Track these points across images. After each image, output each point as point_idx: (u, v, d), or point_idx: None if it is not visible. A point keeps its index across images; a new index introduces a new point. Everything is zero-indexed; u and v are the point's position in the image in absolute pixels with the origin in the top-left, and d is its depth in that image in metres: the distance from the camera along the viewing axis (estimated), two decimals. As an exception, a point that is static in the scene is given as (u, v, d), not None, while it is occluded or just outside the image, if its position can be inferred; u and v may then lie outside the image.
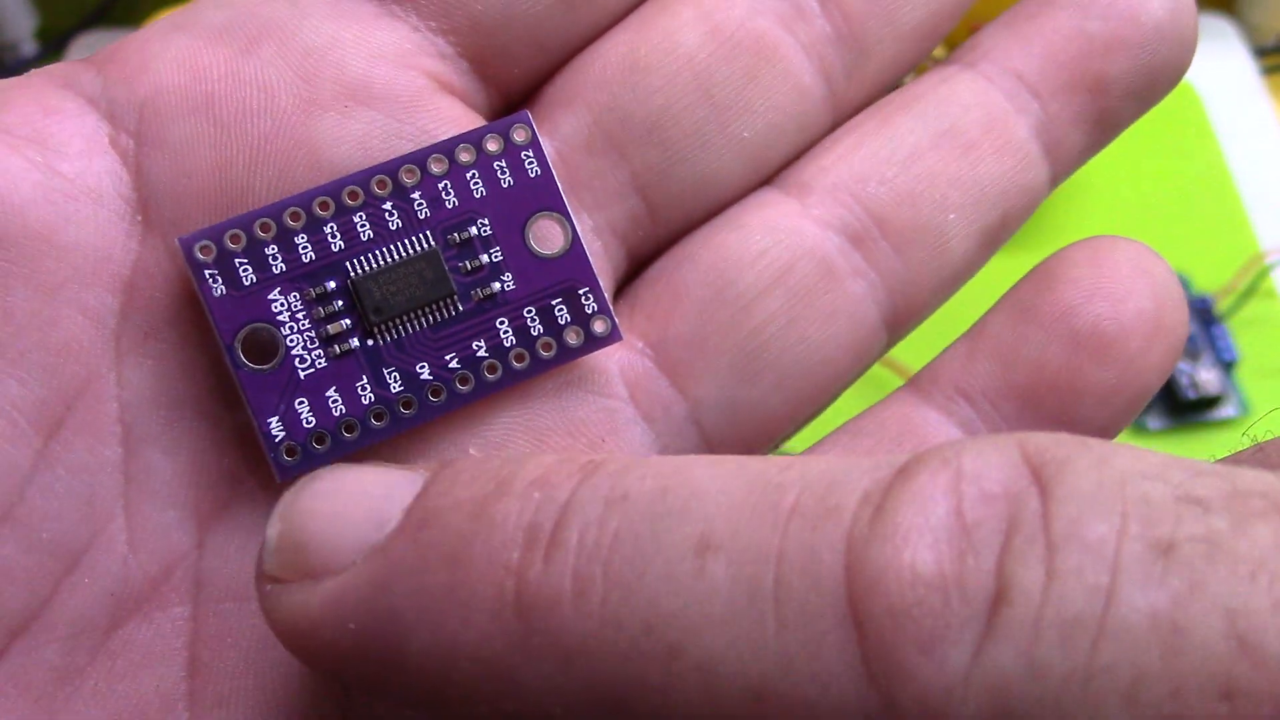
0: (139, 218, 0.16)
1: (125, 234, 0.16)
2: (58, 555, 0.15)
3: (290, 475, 0.16)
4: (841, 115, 0.18)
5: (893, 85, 0.19)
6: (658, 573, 0.11)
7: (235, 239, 0.16)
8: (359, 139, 0.16)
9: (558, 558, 0.11)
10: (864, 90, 0.18)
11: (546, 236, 0.17)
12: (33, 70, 0.16)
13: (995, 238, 0.18)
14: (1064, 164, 0.18)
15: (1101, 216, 0.42)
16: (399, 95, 0.16)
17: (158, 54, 0.16)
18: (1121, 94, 0.18)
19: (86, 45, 0.50)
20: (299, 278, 0.16)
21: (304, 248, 0.16)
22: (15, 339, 0.15)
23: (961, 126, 0.18)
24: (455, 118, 0.17)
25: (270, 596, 0.13)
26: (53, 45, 0.51)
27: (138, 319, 0.16)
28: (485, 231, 0.16)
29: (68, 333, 0.15)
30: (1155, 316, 0.16)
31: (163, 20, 0.17)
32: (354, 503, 0.13)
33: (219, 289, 0.15)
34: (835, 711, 0.10)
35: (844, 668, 0.10)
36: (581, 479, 0.12)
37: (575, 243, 0.17)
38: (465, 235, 0.16)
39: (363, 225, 0.16)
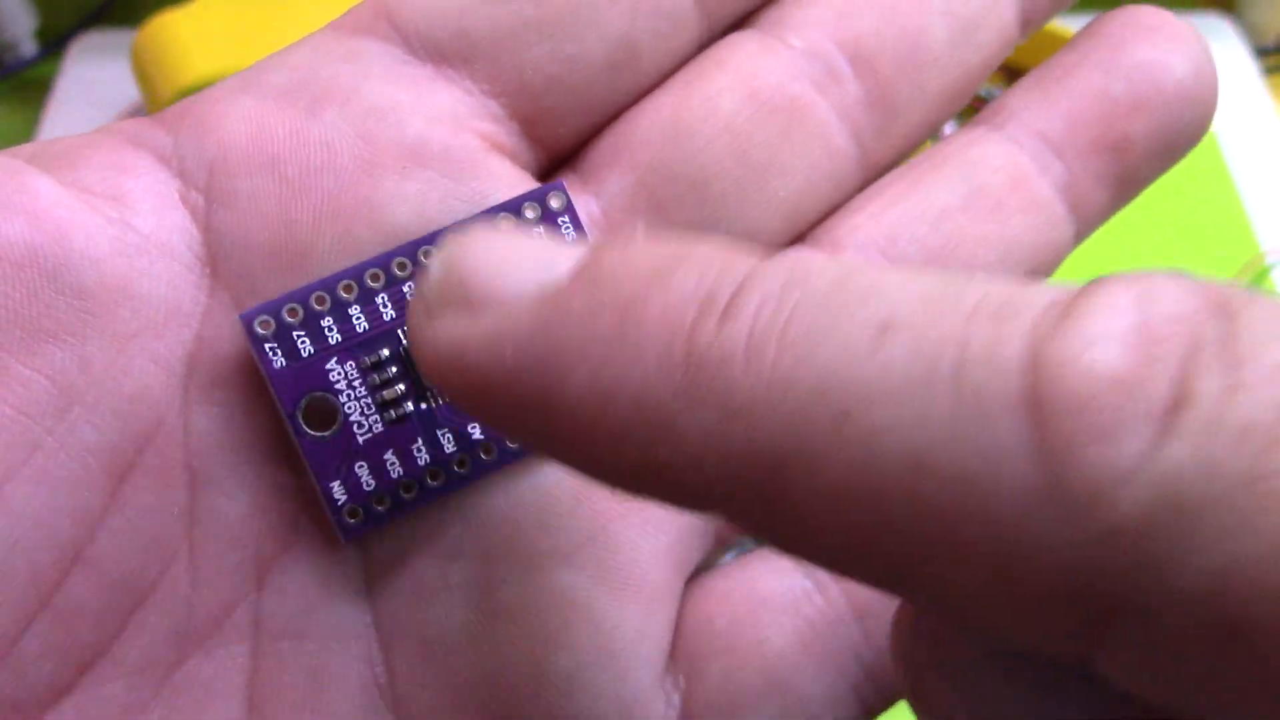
0: (207, 271, 0.16)
1: (195, 287, 0.16)
2: (125, 593, 0.16)
3: (353, 536, 0.16)
4: (871, 174, 0.19)
5: (919, 145, 0.19)
6: (836, 344, 0.11)
7: (293, 312, 0.16)
8: (416, 198, 0.17)
9: (733, 323, 0.11)
10: (893, 150, 0.19)
11: None
12: (100, 128, 0.17)
13: None
14: (1088, 221, 0.19)
15: (1102, 215, 0.42)
16: (454, 156, 0.17)
17: (225, 114, 0.17)
18: (1144, 154, 0.18)
19: (86, 45, 0.50)
20: (354, 347, 0.16)
21: (357, 318, 0.16)
22: (92, 386, 0.15)
23: (989, 187, 0.18)
24: (506, 176, 0.17)
25: (426, 322, 0.13)
26: (53, 45, 0.51)
27: (205, 369, 0.16)
28: (527, 294, 0.17)
29: (140, 381, 0.16)
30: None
31: (228, 81, 0.17)
32: (523, 250, 0.13)
33: (279, 361, 0.16)
34: (997, 489, 0.10)
35: (1014, 446, 0.10)
36: (761, 260, 0.12)
37: None
38: (509, 299, 0.17)
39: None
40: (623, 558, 0.17)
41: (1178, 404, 0.10)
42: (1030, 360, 0.10)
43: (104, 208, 0.16)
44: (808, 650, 0.18)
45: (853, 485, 0.11)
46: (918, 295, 0.11)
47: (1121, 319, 0.10)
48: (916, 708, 0.13)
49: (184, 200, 0.16)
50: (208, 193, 0.16)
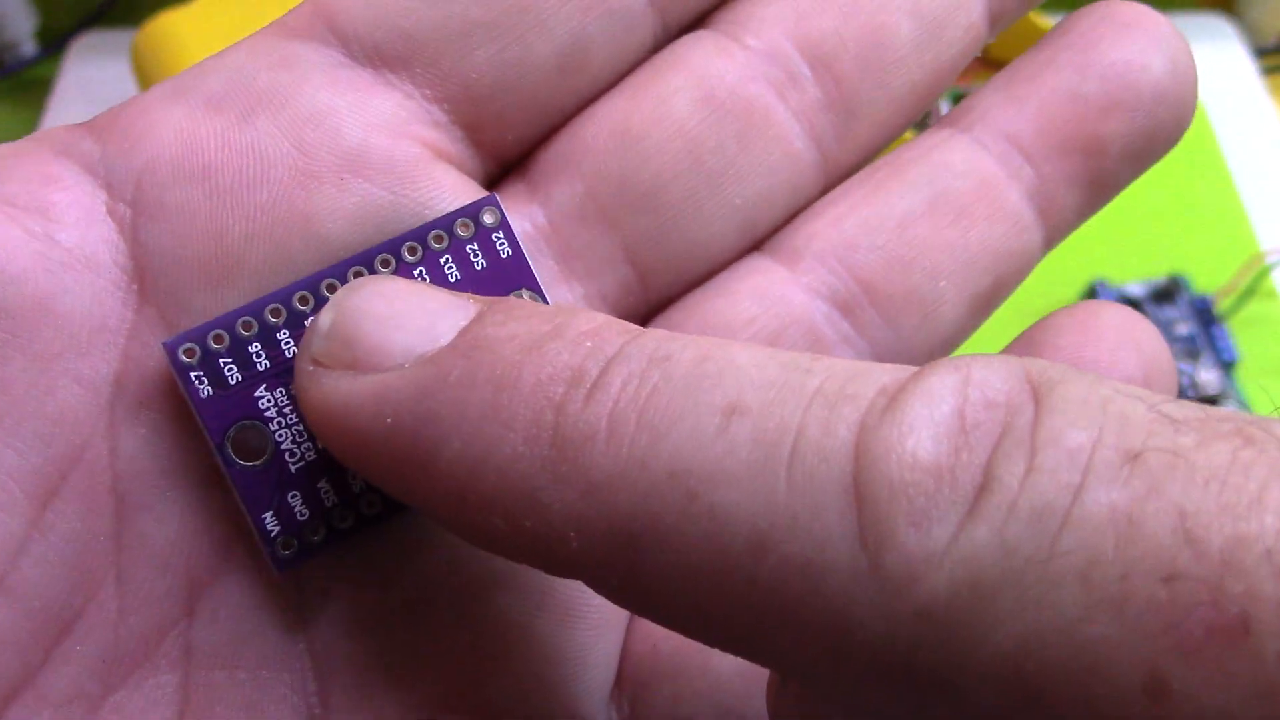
0: (135, 286, 0.16)
1: (121, 303, 0.16)
2: (50, 622, 0.15)
3: (287, 568, 0.16)
4: (833, 179, 0.18)
5: (884, 147, 0.18)
6: (687, 426, 0.12)
7: (219, 339, 0.15)
8: (354, 210, 0.16)
9: (598, 400, 0.12)
10: (855, 154, 0.18)
11: None
12: (28, 136, 0.16)
13: (987, 304, 0.18)
14: (1058, 227, 0.18)
15: (1101, 215, 0.42)
16: (395, 165, 0.16)
17: (155, 122, 0.16)
18: (1118, 156, 0.17)
19: (86, 45, 0.50)
20: (284, 373, 0.16)
21: (286, 343, 0.16)
22: (12, 409, 0.15)
23: (954, 193, 0.17)
24: (450, 184, 0.17)
25: (312, 378, 0.14)
26: (53, 45, 0.51)
27: (132, 389, 0.16)
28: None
29: (63, 402, 0.15)
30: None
31: (162, 85, 0.17)
32: (409, 312, 0.14)
33: (205, 390, 0.15)
34: (827, 569, 0.11)
35: (841, 532, 0.11)
36: (630, 339, 0.13)
37: None
38: (446, 319, 0.16)
39: None
40: (565, 582, 0.17)
41: (982, 490, 0.11)
42: (856, 448, 0.11)
43: (26, 221, 0.15)
44: (755, 674, 0.17)
45: (699, 562, 0.11)
46: (767, 378, 0.12)
47: (940, 407, 0.11)
48: None
49: (111, 213, 0.16)
50: (135, 205, 0.16)
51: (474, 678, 0.16)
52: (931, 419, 0.11)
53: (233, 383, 0.16)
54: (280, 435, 0.16)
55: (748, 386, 0.12)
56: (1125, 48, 0.17)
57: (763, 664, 0.13)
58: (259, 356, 0.16)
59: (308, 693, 0.16)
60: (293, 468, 0.16)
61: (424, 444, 0.13)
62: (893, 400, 0.11)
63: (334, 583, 0.16)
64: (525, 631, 0.17)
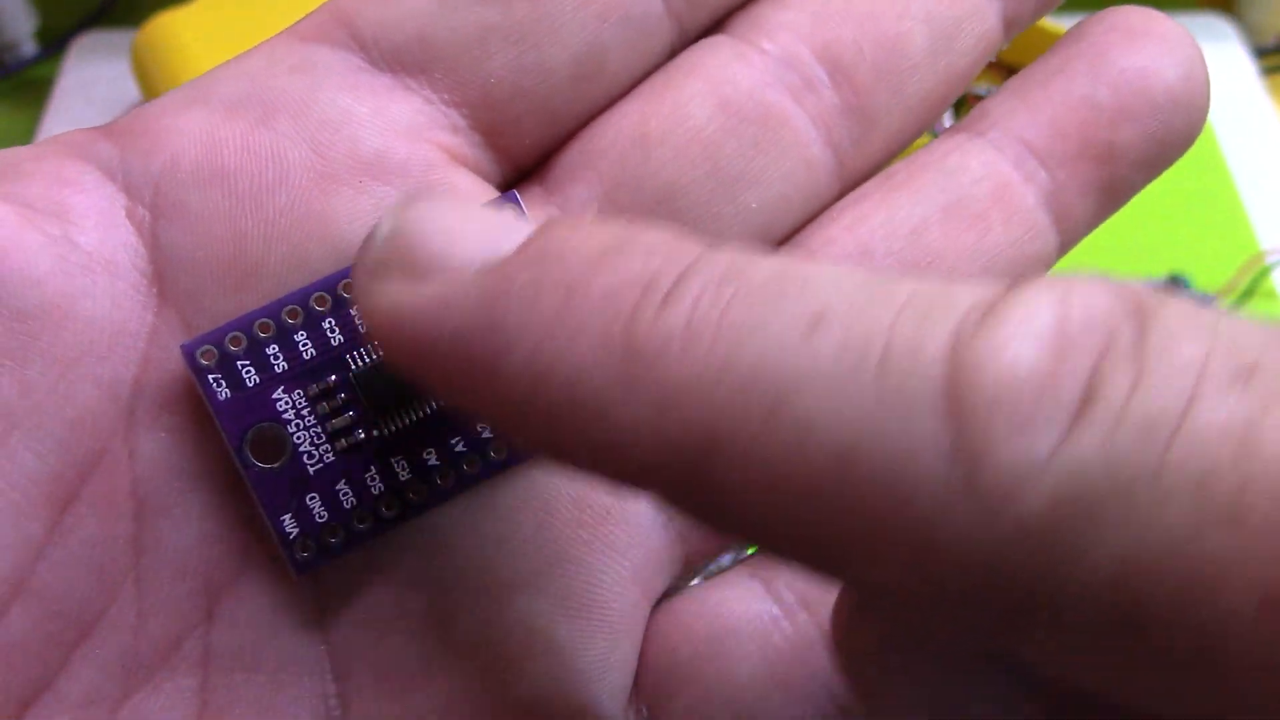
0: (154, 290, 0.16)
1: (141, 306, 0.16)
2: (69, 626, 0.15)
3: (306, 570, 0.16)
4: (848, 184, 0.18)
5: (898, 153, 0.18)
6: (770, 334, 0.11)
7: (236, 341, 0.15)
8: (372, 212, 0.16)
9: (672, 309, 0.11)
10: (871, 159, 0.18)
11: None
12: (46, 139, 0.16)
13: None
14: (1072, 231, 0.18)
15: (1101, 215, 0.42)
16: (412, 169, 0.16)
17: (174, 126, 0.16)
18: (1132, 162, 0.17)
19: (86, 45, 0.50)
20: (301, 374, 0.16)
21: (304, 344, 0.16)
22: (33, 412, 0.15)
23: (970, 197, 0.17)
24: (467, 189, 0.17)
25: (371, 284, 0.13)
26: (53, 45, 0.51)
27: (151, 392, 0.16)
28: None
29: (83, 406, 0.15)
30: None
31: (179, 91, 0.16)
32: (471, 221, 0.13)
33: (224, 392, 0.15)
34: (916, 480, 0.10)
35: (932, 441, 0.10)
36: (704, 249, 0.12)
37: None
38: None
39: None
40: (585, 585, 0.17)
41: (1086, 400, 0.10)
42: (951, 357, 0.11)
43: (46, 225, 0.15)
44: (774, 680, 0.17)
45: (782, 472, 0.11)
46: (850, 290, 0.11)
47: (1040, 319, 0.11)
48: (856, 692, 0.14)
49: (130, 216, 0.16)
50: (154, 208, 0.16)
51: (493, 681, 0.16)
52: (1031, 331, 0.10)
53: (250, 385, 0.16)
54: (298, 437, 0.16)
55: (833, 295, 0.11)
56: (1138, 55, 0.17)
57: (842, 581, 0.12)
58: (276, 358, 0.16)
59: (327, 695, 0.16)
60: (311, 469, 0.16)
61: (488, 353, 0.12)
62: (988, 311, 0.11)
63: (353, 585, 0.16)
64: (545, 636, 0.17)
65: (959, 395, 0.10)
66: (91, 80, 0.48)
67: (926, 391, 0.10)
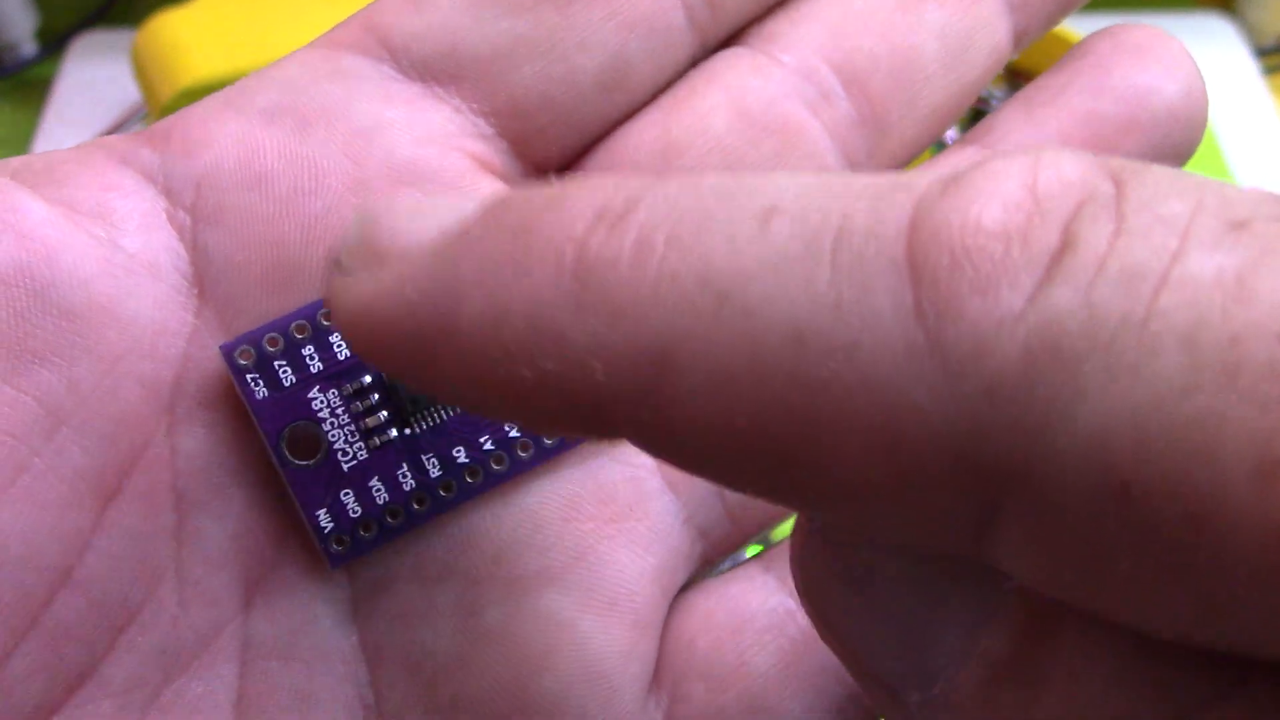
0: (194, 291, 0.16)
1: (181, 307, 0.16)
2: (112, 614, 0.16)
3: (340, 563, 0.16)
4: None
5: (908, 164, 0.19)
6: (720, 234, 0.11)
7: (273, 342, 0.16)
8: None
9: (622, 228, 0.11)
10: (883, 169, 0.19)
11: None
12: (85, 143, 0.17)
13: None
14: None
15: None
16: (443, 177, 0.17)
17: (212, 132, 0.16)
18: None
19: (86, 45, 0.50)
20: (336, 375, 0.16)
21: (338, 346, 0.16)
22: (80, 409, 0.15)
23: None
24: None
25: (337, 282, 0.13)
26: (53, 45, 0.51)
27: (191, 390, 0.16)
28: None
29: (126, 403, 0.16)
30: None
31: (215, 97, 0.17)
32: (434, 204, 0.13)
33: (261, 391, 0.16)
34: (878, 350, 0.10)
35: (893, 307, 0.10)
36: (653, 180, 0.12)
37: None
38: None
39: None
40: (609, 579, 0.17)
41: (1061, 251, 0.09)
42: (911, 222, 0.10)
43: (91, 227, 0.16)
44: (790, 671, 0.18)
45: (734, 367, 0.10)
46: (804, 185, 0.11)
47: (1008, 181, 0.10)
48: (823, 631, 0.13)
49: (171, 219, 0.16)
50: (194, 211, 0.16)
51: (520, 673, 0.17)
52: (998, 191, 0.10)
53: (287, 384, 0.16)
54: (333, 435, 0.16)
55: (786, 192, 0.11)
56: (1141, 71, 0.18)
57: (804, 498, 0.11)
58: (312, 359, 0.16)
59: (360, 685, 0.17)
60: (345, 466, 0.16)
61: (446, 306, 0.12)
62: (952, 180, 0.10)
63: (385, 578, 0.17)
64: (570, 628, 0.17)
65: (919, 259, 0.10)
66: (91, 80, 0.48)
67: (884, 260, 0.10)
